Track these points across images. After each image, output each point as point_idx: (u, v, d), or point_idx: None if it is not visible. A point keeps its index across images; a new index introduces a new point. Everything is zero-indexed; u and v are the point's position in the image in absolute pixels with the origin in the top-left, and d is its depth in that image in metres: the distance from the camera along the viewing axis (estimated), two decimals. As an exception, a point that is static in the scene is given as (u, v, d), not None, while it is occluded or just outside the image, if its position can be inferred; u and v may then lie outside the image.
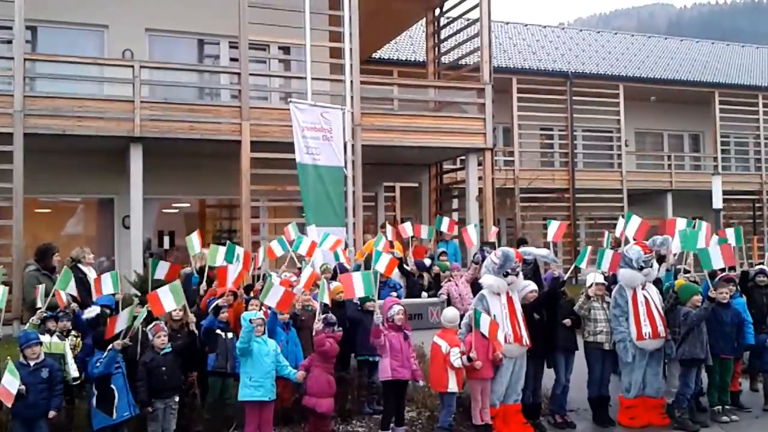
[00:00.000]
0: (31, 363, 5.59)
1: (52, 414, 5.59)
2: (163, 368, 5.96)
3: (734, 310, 7.48)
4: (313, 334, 6.51)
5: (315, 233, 10.09)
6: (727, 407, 7.52)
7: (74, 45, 12.61)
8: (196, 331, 6.43)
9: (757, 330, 7.88)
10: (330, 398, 6.37)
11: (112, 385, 5.68)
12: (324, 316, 6.57)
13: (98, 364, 5.63)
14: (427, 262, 10.61)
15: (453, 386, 6.49)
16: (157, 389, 5.95)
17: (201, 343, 6.58)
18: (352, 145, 11.61)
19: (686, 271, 7.87)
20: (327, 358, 6.39)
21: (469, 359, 6.40)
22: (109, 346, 5.68)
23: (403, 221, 16.31)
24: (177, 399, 6.11)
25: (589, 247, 7.44)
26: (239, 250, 7.73)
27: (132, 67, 11.24)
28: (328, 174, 10.94)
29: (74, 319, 6.79)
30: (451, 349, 6.47)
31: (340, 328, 6.67)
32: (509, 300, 6.82)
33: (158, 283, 6.89)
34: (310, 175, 10.72)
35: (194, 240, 8.00)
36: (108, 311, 6.84)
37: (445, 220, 11.17)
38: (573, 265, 7.42)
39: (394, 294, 8.84)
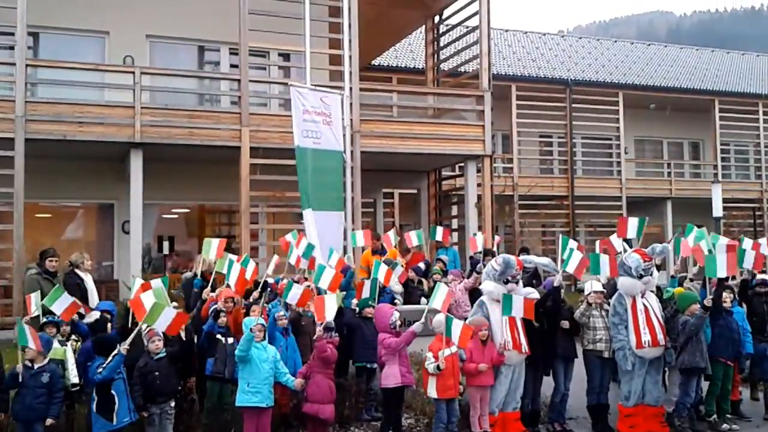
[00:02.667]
0: (35, 366, 5.61)
1: (49, 422, 5.58)
2: (156, 373, 5.95)
3: (737, 318, 7.50)
4: (314, 339, 6.53)
5: (311, 218, 10.11)
6: (727, 416, 7.51)
7: (75, 51, 12.67)
8: (194, 336, 6.42)
9: (758, 339, 7.89)
10: (331, 404, 6.39)
11: (113, 391, 5.68)
12: (323, 322, 6.57)
13: (101, 369, 5.62)
14: (422, 266, 10.59)
15: (431, 391, 6.50)
16: (152, 394, 5.94)
17: (199, 348, 6.56)
18: (351, 152, 11.62)
19: (691, 279, 7.87)
20: (328, 364, 6.40)
21: (438, 368, 6.38)
22: (114, 351, 5.67)
23: (402, 228, 16.30)
24: (173, 404, 6.10)
25: (575, 251, 7.26)
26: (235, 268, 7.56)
27: (133, 73, 11.28)
28: (327, 158, 10.87)
29: (74, 324, 6.80)
30: (426, 354, 6.50)
31: (337, 334, 6.68)
32: (509, 307, 6.82)
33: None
34: (309, 159, 10.65)
35: (213, 245, 7.79)
36: (108, 316, 6.85)
37: (439, 230, 11.12)
38: (560, 268, 7.30)
39: (398, 302, 8.86)
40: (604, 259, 7.26)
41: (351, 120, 11.70)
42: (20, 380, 5.52)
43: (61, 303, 6.41)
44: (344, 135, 11.31)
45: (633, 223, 7.79)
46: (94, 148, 11.15)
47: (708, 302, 7.04)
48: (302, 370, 6.38)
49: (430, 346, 6.59)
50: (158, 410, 5.97)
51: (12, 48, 10.83)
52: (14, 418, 5.56)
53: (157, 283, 6.56)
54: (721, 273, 7.22)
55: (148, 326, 5.97)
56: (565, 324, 7.16)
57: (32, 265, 8.31)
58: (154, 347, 6.01)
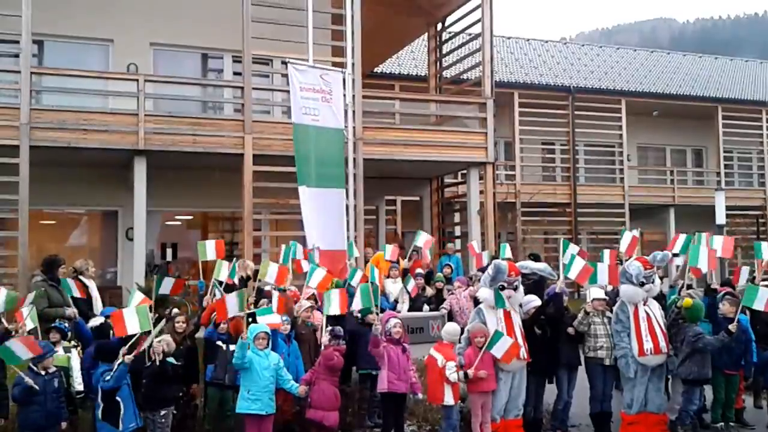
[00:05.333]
0: (47, 372, 5.66)
1: (64, 425, 5.67)
2: (143, 381, 5.94)
3: (741, 326, 7.45)
4: (322, 348, 6.54)
5: (308, 195, 10.19)
6: (731, 424, 7.50)
7: (80, 59, 12.74)
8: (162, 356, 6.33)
9: (762, 347, 7.85)
10: (336, 411, 6.39)
11: (118, 397, 5.69)
12: (331, 328, 6.57)
13: (108, 378, 5.64)
14: (422, 272, 10.61)
15: (449, 399, 6.48)
16: (142, 402, 5.94)
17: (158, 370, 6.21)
18: (354, 159, 11.66)
19: (689, 287, 7.86)
20: (333, 371, 6.41)
21: (466, 375, 6.38)
22: (118, 360, 5.66)
23: (403, 235, 16.31)
24: (163, 413, 6.02)
25: (576, 256, 7.25)
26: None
27: (136, 80, 11.35)
28: (328, 135, 10.90)
29: (77, 329, 6.84)
30: (446, 363, 6.48)
31: (344, 341, 6.67)
32: (506, 314, 6.81)
33: (163, 298, 6.97)
34: (310, 136, 10.68)
35: (208, 247, 7.99)
36: (111, 322, 6.86)
37: (389, 248, 10.73)
38: (563, 274, 7.29)
39: (399, 307, 8.87)
40: (602, 267, 7.23)
41: (354, 127, 11.74)
42: (32, 392, 5.50)
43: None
44: (346, 112, 11.31)
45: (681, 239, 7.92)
46: (99, 155, 11.21)
47: (733, 328, 6.90)
48: (305, 377, 6.39)
49: (447, 356, 6.54)
50: (151, 416, 5.96)
51: (17, 56, 10.90)
52: (33, 426, 5.54)
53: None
54: (759, 305, 6.94)
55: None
56: (571, 330, 7.15)
57: (37, 272, 8.32)
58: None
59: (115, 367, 5.63)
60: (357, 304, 6.82)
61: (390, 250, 10.27)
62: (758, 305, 6.94)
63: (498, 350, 6.43)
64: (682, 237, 8.11)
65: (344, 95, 11.32)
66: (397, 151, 12.64)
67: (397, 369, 6.49)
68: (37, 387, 5.46)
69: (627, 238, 8.40)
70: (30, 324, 6.26)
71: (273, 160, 11.24)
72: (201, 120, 11.75)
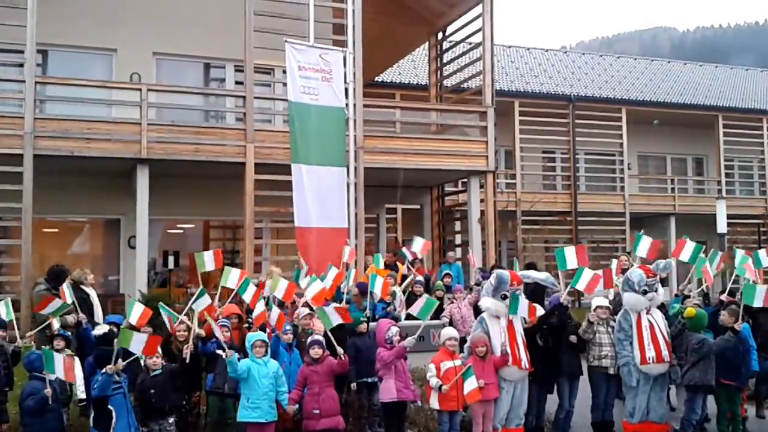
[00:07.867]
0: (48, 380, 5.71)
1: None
2: (152, 390, 5.94)
3: (741, 336, 7.45)
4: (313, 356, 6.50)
5: (303, 173, 10.32)
6: (734, 433, 7.47)
7: (83, 68, 12.86)
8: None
9: (763, 356, 7.84)
10: (340, 415, 6.41)
11: (110, 406, 5.70)
12: (313, 338, 6.50)
13: (95, 386, 5.68)
14: (422, 279, 10.62)
15: (434, 403, 6.52)
16: (148, 411, 5.94)
17: (186, 366, 6.29)
18: (355, 168, 11.71)
19: (686, 296, 7.87)
20: (332, 375, 6.42)
21: (440, 388, 6.42)
22: (103, 370, 5.68)
23: (404, 243, 16.30)
24: (171, 420, 6.05)
25: (585, 269, 7.29)
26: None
27: (139, 90, 11.42)
28: (328, 114, 10.97)
29: (81, 337, 6.87)
30: (429, 366, 6.55)
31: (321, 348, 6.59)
32: (509, 323, 6.83)
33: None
34: (310, 115, 10.75)
35: (206, 258, 7.70)
36: (116, 329, 6.88)
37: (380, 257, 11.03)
38: (568, 287, 7.31)
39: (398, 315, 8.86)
40: (585, 273, 7.22)
41: (354, 136, 11.80)
42: (49, 402, 5.59)
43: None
44: (347, 91, 11.36)
45: (689, 247, 7.87)
46: (102, 164, 11.28)
47: (738, 327, 6.98)
48: (293, 396, 6.31)
49: (433, 358, 6.62)
50: (157, 426, 5.97)
51: (21, 65, 11.00)
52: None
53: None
54: (758, 302, 7.13)
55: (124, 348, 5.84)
56: (573, 338, 7.16)
57: (40, 281, 8.36)
58: (152, 363, 6.01)
59: (99, 375, 5.67)
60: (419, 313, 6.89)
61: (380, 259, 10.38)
62: (758, 302, 7.07)
63: (467, 385, 6.44)
64: (691, 245, 8.02)
65: (345, 74, 11.34)
66: (398, 160, 12.70)
67: (403, 377, 6.55)
68: (48, 394, 5.53)
69: (645, 243, 8.18)
70: (56, 324, 6.33)
71: (274, 168, 11.29)
72: (203, 129, 11.82)
